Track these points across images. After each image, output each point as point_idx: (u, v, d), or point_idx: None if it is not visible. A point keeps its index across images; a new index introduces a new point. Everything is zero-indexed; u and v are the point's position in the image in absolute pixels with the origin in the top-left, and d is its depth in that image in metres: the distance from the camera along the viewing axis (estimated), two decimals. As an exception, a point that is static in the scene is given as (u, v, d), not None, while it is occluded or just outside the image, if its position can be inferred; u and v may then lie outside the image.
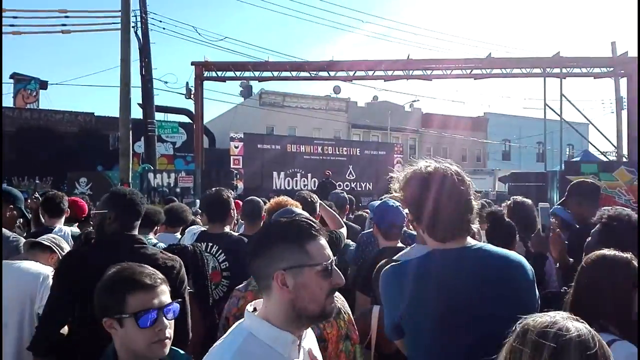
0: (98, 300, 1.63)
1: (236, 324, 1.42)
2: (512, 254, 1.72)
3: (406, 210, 2.27)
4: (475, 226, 1.76)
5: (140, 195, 2.52)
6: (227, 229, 3.55)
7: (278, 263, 1.30)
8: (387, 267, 1.85)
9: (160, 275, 1.66)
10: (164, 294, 1.63)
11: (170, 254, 2.42)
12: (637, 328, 1.65)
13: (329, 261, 1.34)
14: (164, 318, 1.59)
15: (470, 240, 1.74)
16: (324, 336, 1.92)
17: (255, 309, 1.39)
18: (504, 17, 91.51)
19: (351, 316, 2.05)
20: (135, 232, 2.44)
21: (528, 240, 3.01)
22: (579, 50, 71.42)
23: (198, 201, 10.01)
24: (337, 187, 13.22)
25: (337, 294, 2.07)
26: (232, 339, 1.32)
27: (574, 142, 30.61)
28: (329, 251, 1.37)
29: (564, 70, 16.59)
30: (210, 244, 3.37)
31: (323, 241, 1.37)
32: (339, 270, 1.37)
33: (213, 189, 3.68)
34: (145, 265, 1.70)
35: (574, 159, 17.76)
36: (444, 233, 1.69)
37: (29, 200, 5.12)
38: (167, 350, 1.60)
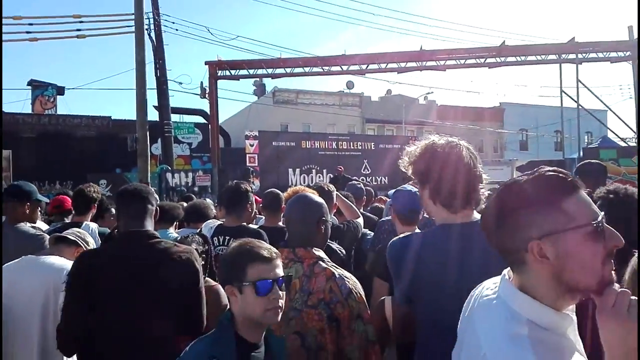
0: (222, 269, 1.82)
1: (484, 296, 1.20)
2: None
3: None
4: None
5: (143, 187, 2.56)
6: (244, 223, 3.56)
7: (529, 231, 1.06)
8: (394, 239, 1.92)
9: (275, 250, 1.79)
10: (278, 267, 1.75)
11: (184, 247, 2.43)
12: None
13: (598, 219, 1.05)
14: (277, 288, 1.71)
15: (476, 215, 1.79)
16: (335, 316, 1.92)
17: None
18: (516, 3, 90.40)
19: (363, 296, 2.02)
20: (147, 226, 2.40)
21: None
22: (594, 35, 70.16)
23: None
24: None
25: (347, 274, 2.07)
26: (507, 325, 1.07)
27: (593, 130, 30.07)
28: (594, 207, 1.09)
29: (579, 56, 16.38)
30: (228, 237, 3.35)
31: (584, 195, 1.10)
32: (613, 229, 1.07)
33: (232, 181, 3.72)
34: (262, 242, 1.83)
35: (592, 146, 17.49)
36: (454, 200, 1.77)
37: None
38: (279, 318, 1.73)
